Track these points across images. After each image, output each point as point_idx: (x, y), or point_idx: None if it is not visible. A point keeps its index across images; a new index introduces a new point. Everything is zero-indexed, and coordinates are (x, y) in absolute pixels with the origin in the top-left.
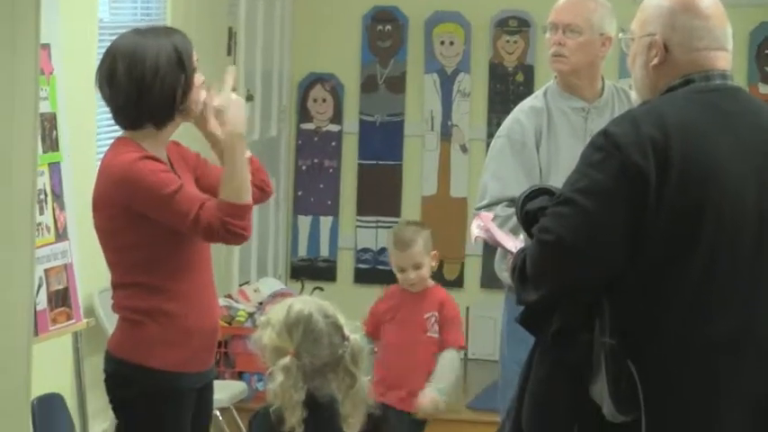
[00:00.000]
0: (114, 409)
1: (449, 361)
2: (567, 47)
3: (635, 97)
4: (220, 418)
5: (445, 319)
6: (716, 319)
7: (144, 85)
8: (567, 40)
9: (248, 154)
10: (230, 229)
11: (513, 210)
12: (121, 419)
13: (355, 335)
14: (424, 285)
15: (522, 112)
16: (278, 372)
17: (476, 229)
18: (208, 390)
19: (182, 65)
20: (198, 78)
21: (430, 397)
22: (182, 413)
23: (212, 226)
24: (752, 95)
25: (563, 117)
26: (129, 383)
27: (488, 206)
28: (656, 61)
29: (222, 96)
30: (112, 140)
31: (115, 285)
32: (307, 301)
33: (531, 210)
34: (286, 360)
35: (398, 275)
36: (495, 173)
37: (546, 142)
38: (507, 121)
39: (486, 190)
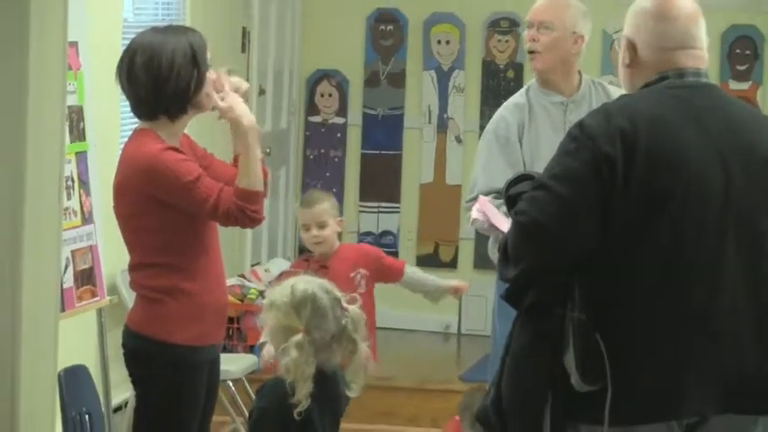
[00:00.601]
0: (134, 383)
1: (415, 271)
2: (539, 42)
3: (613, 90)
4: (232, 388)
5: (378, 265)
6: (682, 296)
7: (160, 79)
8: (540, 36)
9: (259, 155)
10: (247, 213)
11: (500, 201)
12: (141, 392)
13: (352, 305)
14: (330, 246)
15: (506, 109)
16: (292, 348)
17: (475, 212)
18: (216, 362)
19: (195, 61)
20: (211, 74)
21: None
22: (197, 385)
23: (230, 211)
24: (724, 92)
25: (543, 111)
26: (150, 358)
27: (476, 198)
28: (627, 60)
29: (226, 99)
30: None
31: (134, 266)
32: (308, 281)
33: (514, 194)
34: (298, 337)
35: (303, 235)
36: (483, 167)
37: (528, 135)
38: (494, 119)
39: (475, 183)
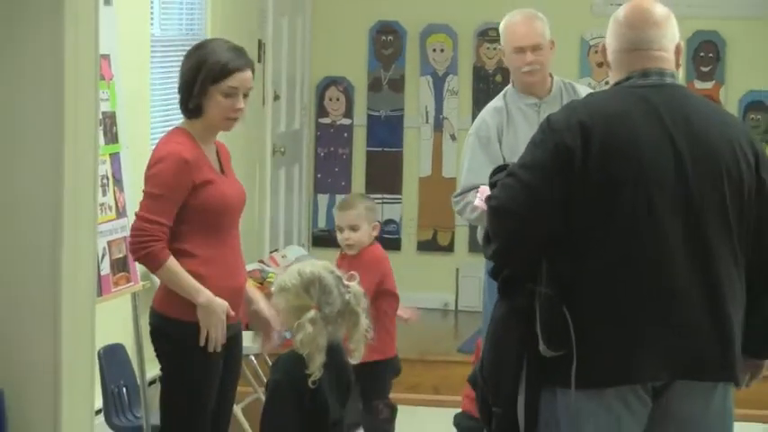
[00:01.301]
0: (158, 357)
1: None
2: (538, 62)
3: (582, 90)
4: (254, 362)
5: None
6: (637, 276)
7: (180, 79)
8: (536, 57)
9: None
10: (135, 257)
11: None
12: (162, 365)
13: (352, 282)
14: (361, 248)
15: (487, 112)
16: (306, 324)
17: (477, 201)
18: (236, 338)
19: (195, 74)
20: (236, 103)
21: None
22: (212, 359)
23: (133, 244)
24: (687, 90)
25: (519, 113)
26: (167, 334)
27: (462, 193)
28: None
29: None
30: (163, 133)
31: None
32: (314, 264)
33: (493, 182)
34: (311, 314)
35: (338, 236)
36: (468, 166)
37: (507, 135)
38: (476, 122)
39: (461, 179)
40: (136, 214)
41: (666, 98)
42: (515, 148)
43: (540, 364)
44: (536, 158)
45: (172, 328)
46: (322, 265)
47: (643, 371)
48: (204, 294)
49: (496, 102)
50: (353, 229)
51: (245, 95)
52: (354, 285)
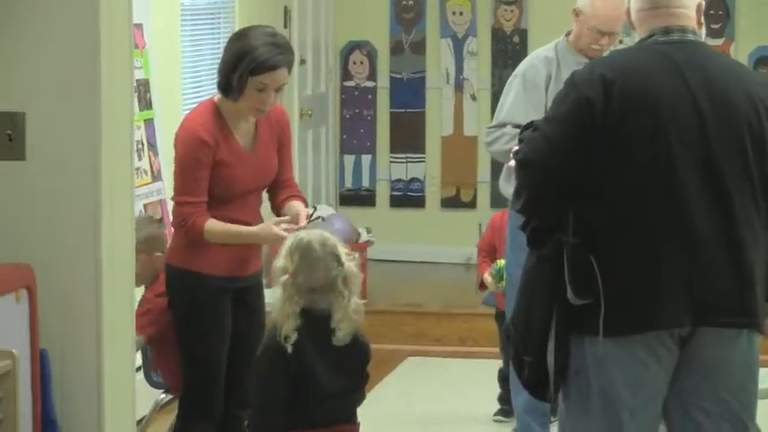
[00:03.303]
0: (169, 303)
1: None
2: (606, 45)
3: None
4: None
5: None
6: (657, 223)
7: (221, 59)
8: (608, 40)
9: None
10: (177, 223)
11: (517, 131)
12: (173, 313)
13: (350, 263)
14: None
15: (537, 58)
16: (278, 287)
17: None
18: (257, 288)
19: (236, 64)
20: (265, 98)
21: None
22: (216, 307)
23: (176, 218)
24: (707, 47)
25: (567, 68)
26: (177, 283)
27: (498, 126)
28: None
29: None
30: (194, 99)
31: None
32: (311, 233)
33: (520, 138)
34: (284, 278)
35: None
36: (510, 103)
37: (554, 87)
38: (524, 65)
39: (500, 113)
40: (172, 198)
41: (687, 54)
42: None
43: (569, 312)
44: (559, 112)
45: (180, 277)
46: (320, 237)
47: (666, 318)
48: (250, 232)
49: (547, 52)
50: None
51: (278, 90)
52: (349, 266)
